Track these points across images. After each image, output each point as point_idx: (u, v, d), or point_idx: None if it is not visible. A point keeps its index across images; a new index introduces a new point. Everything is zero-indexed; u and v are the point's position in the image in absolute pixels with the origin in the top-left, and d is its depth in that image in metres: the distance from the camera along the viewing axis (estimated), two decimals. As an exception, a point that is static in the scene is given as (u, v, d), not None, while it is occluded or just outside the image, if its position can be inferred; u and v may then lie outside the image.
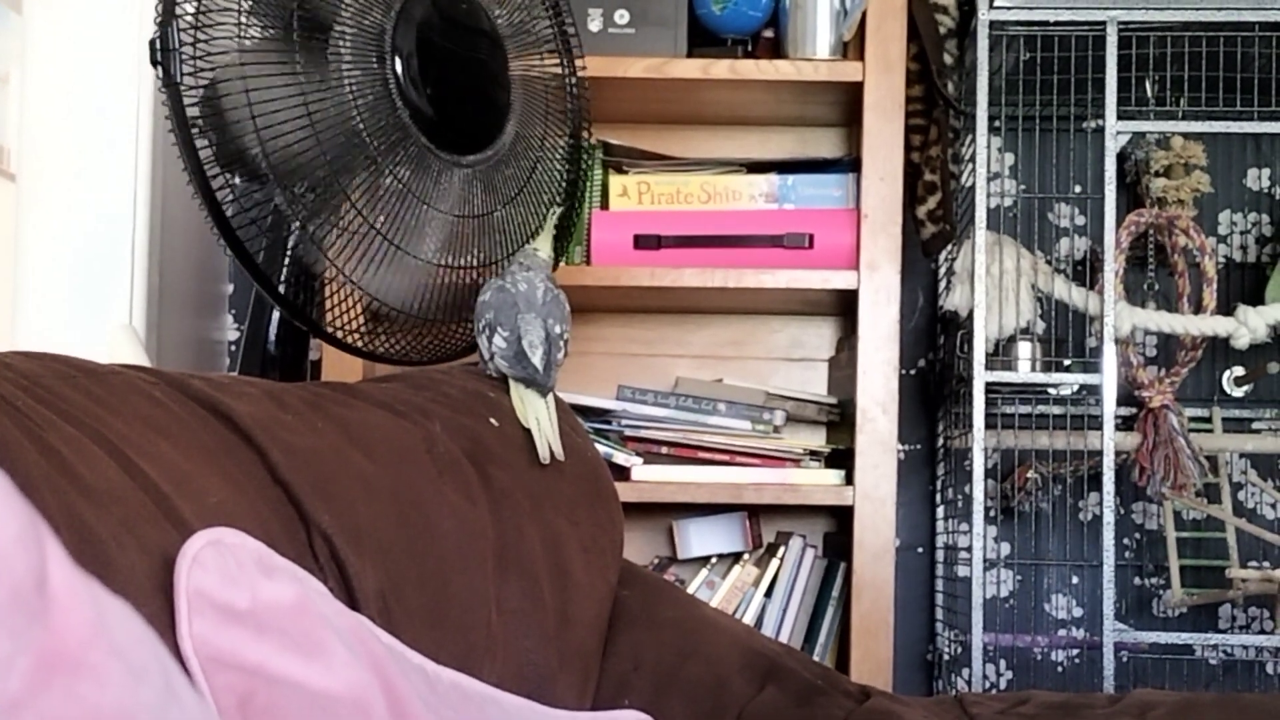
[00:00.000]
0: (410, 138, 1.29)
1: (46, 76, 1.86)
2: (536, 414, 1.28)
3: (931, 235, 2.05)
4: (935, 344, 2.33)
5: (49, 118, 1.85)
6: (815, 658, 1.97)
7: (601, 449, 1.82)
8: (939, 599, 2.26)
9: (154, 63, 1.22)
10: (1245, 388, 2.26)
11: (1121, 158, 2.19)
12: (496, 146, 1.38)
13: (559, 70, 1.49)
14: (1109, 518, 1.96)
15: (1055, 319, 2.16)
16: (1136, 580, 2.30)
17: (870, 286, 1.96)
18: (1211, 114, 2.08)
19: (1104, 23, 1.96)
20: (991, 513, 2.27)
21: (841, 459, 2.04)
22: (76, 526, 0.74)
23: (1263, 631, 2.26)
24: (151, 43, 1.22)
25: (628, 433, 2.05)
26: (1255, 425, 2.26)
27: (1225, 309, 2.10)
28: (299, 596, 0.78)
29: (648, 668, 1.26)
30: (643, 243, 2.02)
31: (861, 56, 1.96)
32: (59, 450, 0.78)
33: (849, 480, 1.97)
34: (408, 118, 1.28)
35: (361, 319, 1.43)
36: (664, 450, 2.04)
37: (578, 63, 1.51)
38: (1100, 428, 1.96)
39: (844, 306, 2.17)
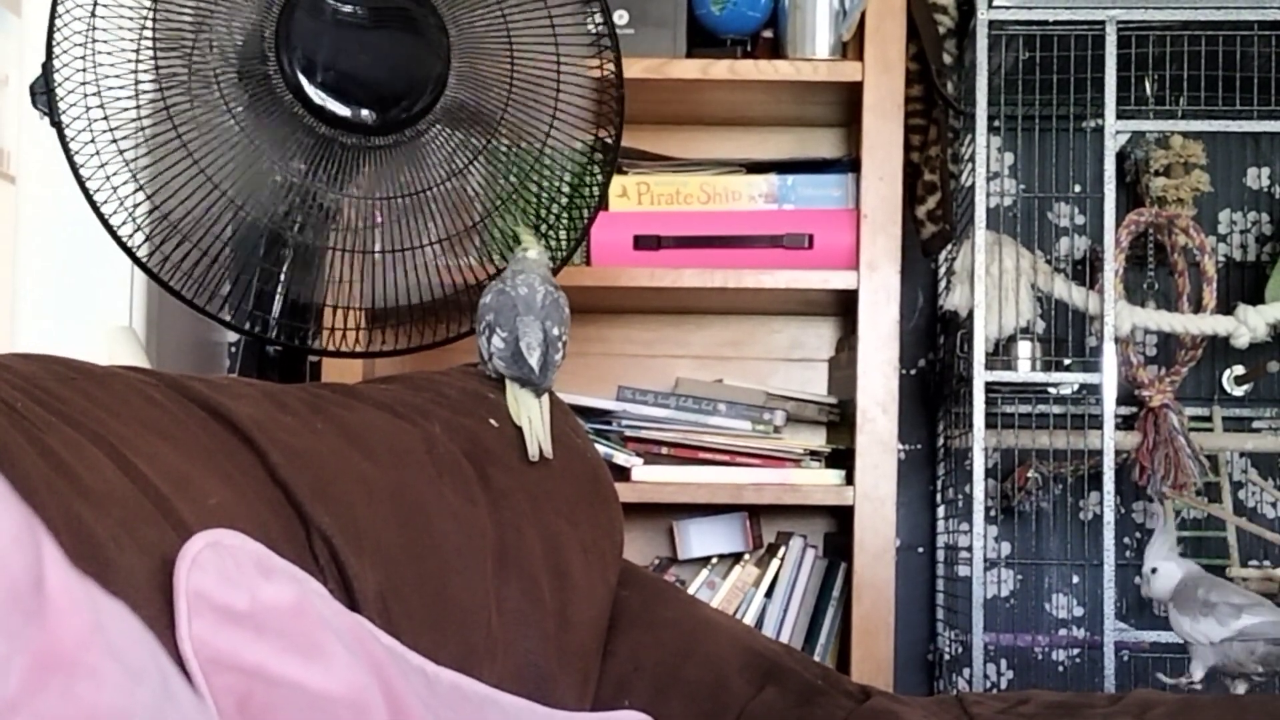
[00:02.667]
0: (306, 128, 1.29)
1: (46, 78, 1.85)
2: (529, 413, 1.28)
3: (931, 235, 2.05)
4: (935, 344, 2.33)
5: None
6: (816, 658, 1.97)
7: (601, 450, 1.82)
8: (939, 599, 2.26)
9: (34, 105, 1.23)
10: (1245, 387, 2.26)
11: (1121, 157, 2.19)
12: (422, 125, 1.38)
13: (552, 66, 1.48)
14: (1109, 517, 1.96)
15: (1055, 318, 2.15)
16: (1137, 579, 2.29)
17: (870, 286, 1.95)
18: (1211, 113, 2.08)
19: (1103, 22, 1.96)
20: (992, 512, 2.27)
21: (842, 459, 2.04)
22: (75, 528, 0.74)
23: (1263, 631, 2.25)
24: (31, 87, 1.23)
25: (628, 433, 2.05)
26: (1255, 424, 2.26)
27: (1225, 308, 2.09)
28: (298, 598, 0.78)
29: (648, 668, 1.26)
30: (642, 243, 2.02)
31: (861, 56, 1.96)
32: (58, 452, 0.78)
33: (849, 480, 1.97)
34: (301, 109, 1.29)
35: (362, 319, 1.44)
36: (664, 451, 2.04)
37: (567, 65, 1.50)
38: (1100, 427, 1.96)
39: (844, 306, 2.17)
